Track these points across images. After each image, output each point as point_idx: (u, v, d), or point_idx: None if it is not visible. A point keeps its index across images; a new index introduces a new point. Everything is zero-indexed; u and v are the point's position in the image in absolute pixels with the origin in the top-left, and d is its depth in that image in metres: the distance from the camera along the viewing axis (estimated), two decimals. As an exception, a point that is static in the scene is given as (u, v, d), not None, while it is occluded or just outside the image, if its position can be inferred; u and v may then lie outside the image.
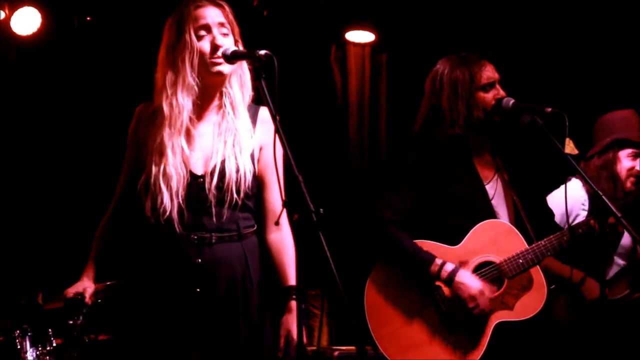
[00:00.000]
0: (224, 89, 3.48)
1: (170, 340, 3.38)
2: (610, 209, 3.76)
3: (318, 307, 6.53)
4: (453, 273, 4.05)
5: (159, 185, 3.34)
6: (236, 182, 3.39)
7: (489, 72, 4.23)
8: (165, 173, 3.35)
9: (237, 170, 3.39)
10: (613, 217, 3.84)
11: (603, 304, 4.62)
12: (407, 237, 4.13)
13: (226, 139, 3.43)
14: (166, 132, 3.38)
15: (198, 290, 3.39)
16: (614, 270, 4.76)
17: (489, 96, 4.21)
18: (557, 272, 4.63)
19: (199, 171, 3.41)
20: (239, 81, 3.48)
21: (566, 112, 3.96)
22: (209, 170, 3.39)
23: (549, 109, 4.01)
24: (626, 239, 4.74)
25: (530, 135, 4.14)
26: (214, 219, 3.40)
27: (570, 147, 3.98)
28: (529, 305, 4.10)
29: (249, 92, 3.50)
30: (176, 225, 3.34)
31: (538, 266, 4.14)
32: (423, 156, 4.22)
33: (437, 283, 4.09)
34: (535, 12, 6.53)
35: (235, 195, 3.39)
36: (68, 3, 6.37)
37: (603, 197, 3.78)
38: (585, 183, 4.74)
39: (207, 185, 3.37)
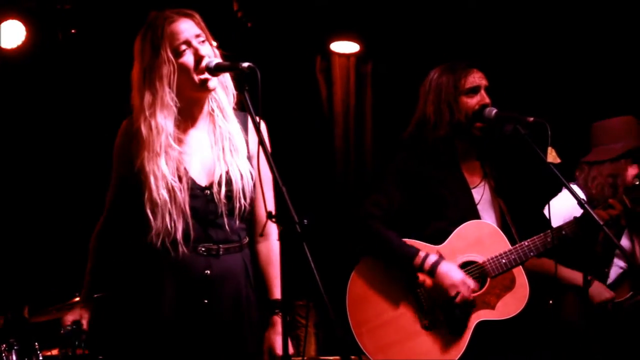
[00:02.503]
0: (207, 98, 3.46)
1: (177, 353, 3.34)
2: (594, 218, 3.79)
3: (305, 317, 6.52)
4: (436, 263, 4.10)
5: (148, 213, 3.29)
6: (242, 190, 3.39)
7: (474, 79, 4.30)
8: (152, 200, 3.30)
9: (242, 177, 3.40)
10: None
11: (611, 306, 4.66)
12: (392, 232, 4.19)
13: (223, 145, 3.42)
14: (145, 157, 3.33)
15: (206, 301, 3.37)
16: (614, 272, 4.79)
17: (472, 102, 4.27)
18: (566, 278, 4.68)
19: (202, 182, 3.39)
20: (221, 84, 3.46)
21: (548, 120, 3.99)
22: (216, 180, 3.37)
23: (531, 119, 4.05)
24: (625, 241, 4.77)
25: (513, 144, 4.18)
26: (222, 230, 3.40)
27: (552, 156, 4.00)
28: (511, 305, 4.14)
29: (232, 93, 3.48)
30: (181, 245, 3.31)
31: (521, 267, 4.20)
32: (411, 158, 4.29)
33: (420, 276, 4.13)
34: (520, 22, 6.56)
35: (243, 202, 3.40)
36: (52, 16, 6.36)
37: (586, 206, 3.81)
38: (583, 188, 4.81)
39: (216, 196, 3.36)
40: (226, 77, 3.46)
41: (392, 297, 4.18)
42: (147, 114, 3.34)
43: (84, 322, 3.46)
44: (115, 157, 3.51)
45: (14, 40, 6.19)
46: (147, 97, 3.34)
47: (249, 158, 3.46)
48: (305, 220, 2.81)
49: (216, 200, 3.37)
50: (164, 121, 3.33)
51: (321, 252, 3.03)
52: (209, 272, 3.36)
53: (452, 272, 4.09)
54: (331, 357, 5.85)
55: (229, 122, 3.46)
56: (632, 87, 6.27)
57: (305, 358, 6.02)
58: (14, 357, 4.90)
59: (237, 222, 3.44)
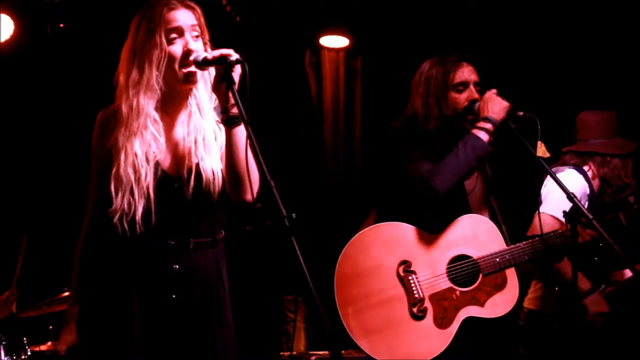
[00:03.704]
0: (189, 91, 3.43)
1: (143, 349, 3.28)
2: (582, 210, 3.78)
3: (294, 312, 6.53)
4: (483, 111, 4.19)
5: (116, 189, 3.26)
6: (212, 184, 3.34)
7: (463, 73, 4.29)
8: (118, 177, 3.27)
9: (213, 172, 3.35)
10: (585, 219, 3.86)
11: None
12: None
13: (196, 138, 3.38)
14: (121, 134, 3.30)
15: (174, 297, 3.32)
16: None
17: (462, 97, 4.27)
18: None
19: (172, 172, 3.35)
20: (205, 83, 3.42)
21: (539, 115, 3.99)
22: (185, 173, 3.33)
23: (521, 113, 4.06)
24: None
25: (503, 138, 4.18)
26: (192, 224, 3.36)
27: (542, 150, 4.00)
28: (500, 304, 4.12)
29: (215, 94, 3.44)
30: (141, 230, 3.25)
31: (513, 268, 4.18)
32: (407, 145, 4.25)
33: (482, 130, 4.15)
34: (512, 20, 6.57)
35: (213, 198, 3.35)
36: (41, 10, 6.34)
37: (575, 199, 3.80)
38: (610, 177, 4.86)
39: (185, 189, 3.32)
40: (212, 77, 3.40)
41: (383, 281, 4.14)
42: (130, 93, 3.31)
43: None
44: (94, 151, 3.45)
45: (2, 35, 6.17)
46: (134, 76, 3.31)
47: (221, 157, 3.41)
48: (293, 215, 2.79)
49: (185, 192, 3.33)
50: (146, 102, 3.31)
51: (311, 246, 3.03)
52: (177, 266, 3.32)
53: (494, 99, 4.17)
54: (320, 352, 5.85)
55: (205, 120, 3.42)
56: (621, 82, 6.30)
57: (294, 353, 6.02)
58: (2, 352, 4.89)
59: (210, 216, 3.40)
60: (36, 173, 6.48)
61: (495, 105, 4.14)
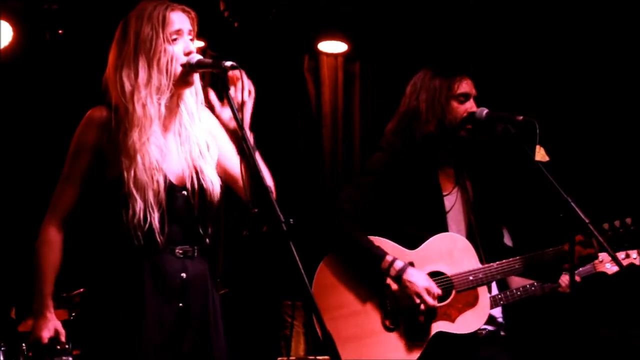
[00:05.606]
0: (182, 95, 3.42)
1: (151, 356, 3.28)
2: (579, 215, 3.79)
3: (292, 317, 6.52)
4: (402, 270, 4.15)
5: (134, 195, 3.22)
6: (213, 193, 3.36)
7: (466, 86, 4.39)
8: (137, 181, 3.23)
9: (212, 182, 3.37)
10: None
11: None
12: (362, 232, 4.24)
13: (190, 148, 3.38)
14: (136, 137, 3.26)
15: (180, 305, 3.34)
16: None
17: (462, 108, 4.35)
18: None
19: (177, 182, 3.34)
20: (190, 89, 3.41)
21: (538, 119, 4.01)
22: (187, 182, 3.33)
23: (520, 117, 4.09)
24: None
25: (503, 144, 4.20)
26: (197, 232, 3.37)
27: (541, 155, 4.00)
28: (470, 321, 4.23)
29: (201, 99, 3.44)
30: (157, 237, 3.24)
31: (486, 287, 4.28)
32: (389, 158, 4.31)
33: (387, 279, 4.17)
34: (508, 23, 6.57)
35: (214, 206, 3.38)
36: (40, 16, 6.34)
37: (572, 204, 3.81)
38: None
39: (191, 198, 3.33)
40: (196, 84, 3.40)
41: (358, 292, 4.23)
42: (142, 93, 3.26)
43: (62, 335, 3.30)
44: (81, 147, 3.40)
45: (1, 41, 6.17)
46: (142, 77, 3.27)
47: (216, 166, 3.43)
48: (291, 220, 2.79)
49: (191, 201, 3.33)
50: (157, 104, 3.28)
51: (309, 251, 3.02)
52: (184, 275, 3.33)
53: (418, 281, 4.15)
54: (320, 357, 5.84)
55: (195, 127, 3.42)
56: (621, 87, 6.31)
57: (293, 358, 6.02)
58: (2, 359, 4.88)
59: (211, 224, 3.42)
60: (36, 179, 6.47)
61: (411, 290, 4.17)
